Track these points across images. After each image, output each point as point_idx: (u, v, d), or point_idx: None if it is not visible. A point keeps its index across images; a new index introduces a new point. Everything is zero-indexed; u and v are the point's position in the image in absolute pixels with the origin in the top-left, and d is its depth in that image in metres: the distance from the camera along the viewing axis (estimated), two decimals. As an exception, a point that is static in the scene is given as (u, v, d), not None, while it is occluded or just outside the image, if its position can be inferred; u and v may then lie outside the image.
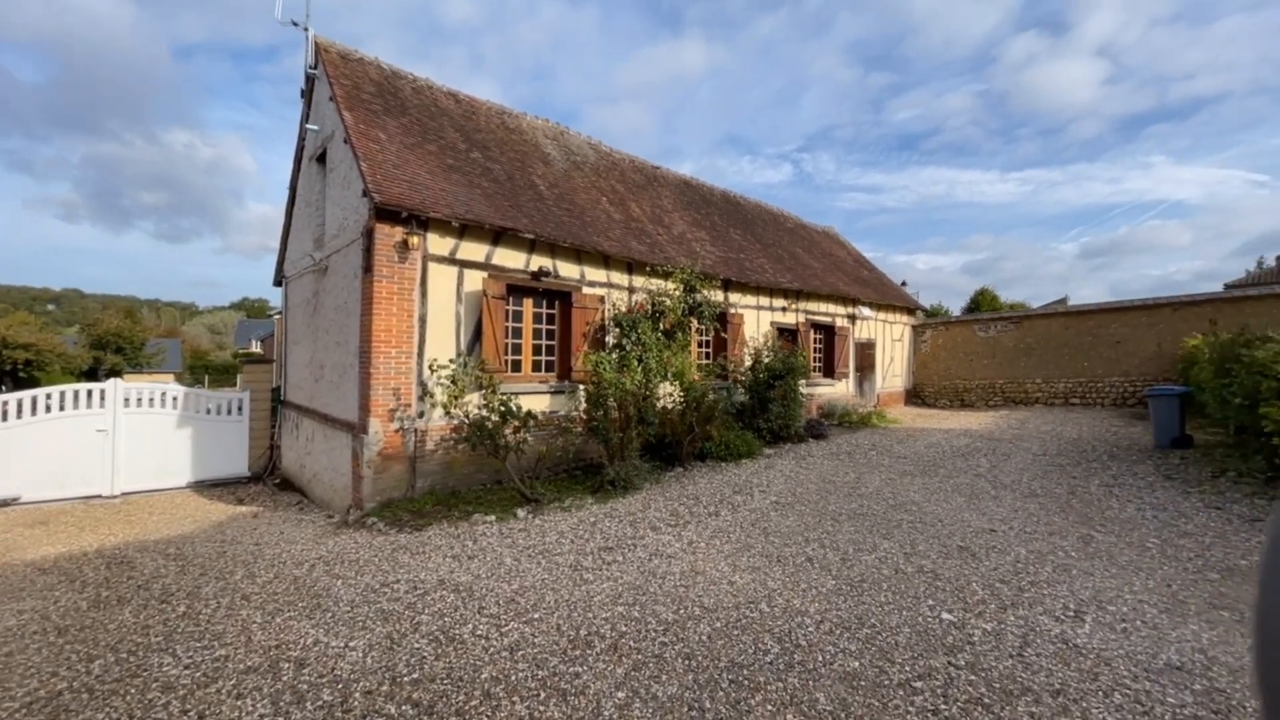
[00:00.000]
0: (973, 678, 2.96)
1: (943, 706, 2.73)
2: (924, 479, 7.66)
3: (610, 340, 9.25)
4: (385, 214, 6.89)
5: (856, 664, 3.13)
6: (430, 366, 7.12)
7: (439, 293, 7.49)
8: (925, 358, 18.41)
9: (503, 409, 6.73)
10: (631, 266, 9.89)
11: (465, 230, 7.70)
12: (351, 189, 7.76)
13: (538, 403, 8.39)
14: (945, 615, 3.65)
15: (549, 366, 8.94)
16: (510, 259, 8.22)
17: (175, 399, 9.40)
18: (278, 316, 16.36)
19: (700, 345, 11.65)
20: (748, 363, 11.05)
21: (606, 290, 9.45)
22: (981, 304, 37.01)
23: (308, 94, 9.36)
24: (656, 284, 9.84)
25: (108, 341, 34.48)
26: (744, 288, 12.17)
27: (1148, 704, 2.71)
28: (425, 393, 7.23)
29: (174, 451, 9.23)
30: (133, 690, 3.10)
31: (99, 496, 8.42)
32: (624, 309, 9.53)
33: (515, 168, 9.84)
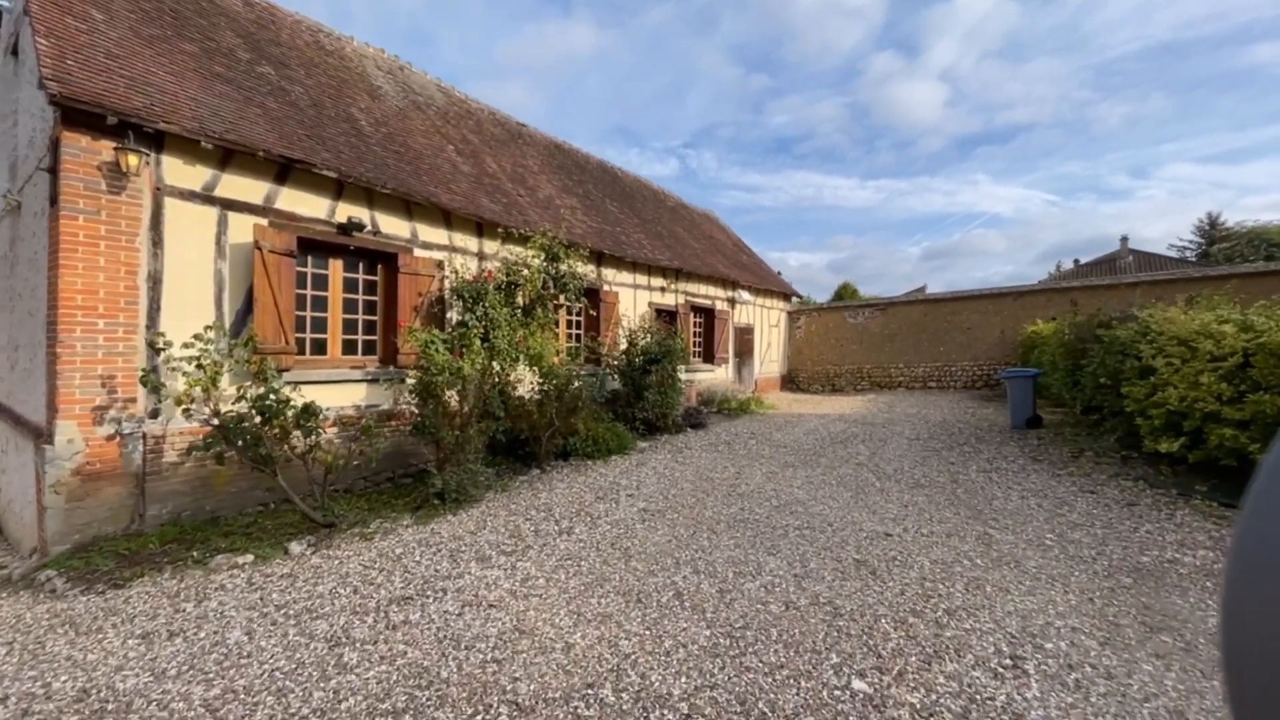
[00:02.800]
0: (915, 817, 1.88)
1: None
2: (807, 471, 6.92)
3: (454, 316, 7.54)
4: (79, 116, 4.66)
5: (741, 806, 1.94)
6: (153, 345, 4.98)
7: (186, 242, 5.34)
8: (800, 344, 18.54)
9: (263, 405, 4.80)
10: (482, 228, 8.20)
11: (230, 158, 5.59)
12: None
13: (351, 394, 6.52)
14: (857, 684, 2.60)
15: (369, 348, 7.04)
16: (305, 204, 6.20)
17: None
18: None
19: (570, 326, 10.26)
20: (622, 345, 9.86)
21: (447, 255, 7.68)
22: (844, 297, 39.36)
23: (-6, -45, 6.52)
24: (515, 251, 8.24)
25: None
26: (619, 263, 10.93)
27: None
28: (161, 383, 5.08)
29: None
30: None
31: None
32: (471, 278, 7.83)
33: (327, 94, 7.70)
